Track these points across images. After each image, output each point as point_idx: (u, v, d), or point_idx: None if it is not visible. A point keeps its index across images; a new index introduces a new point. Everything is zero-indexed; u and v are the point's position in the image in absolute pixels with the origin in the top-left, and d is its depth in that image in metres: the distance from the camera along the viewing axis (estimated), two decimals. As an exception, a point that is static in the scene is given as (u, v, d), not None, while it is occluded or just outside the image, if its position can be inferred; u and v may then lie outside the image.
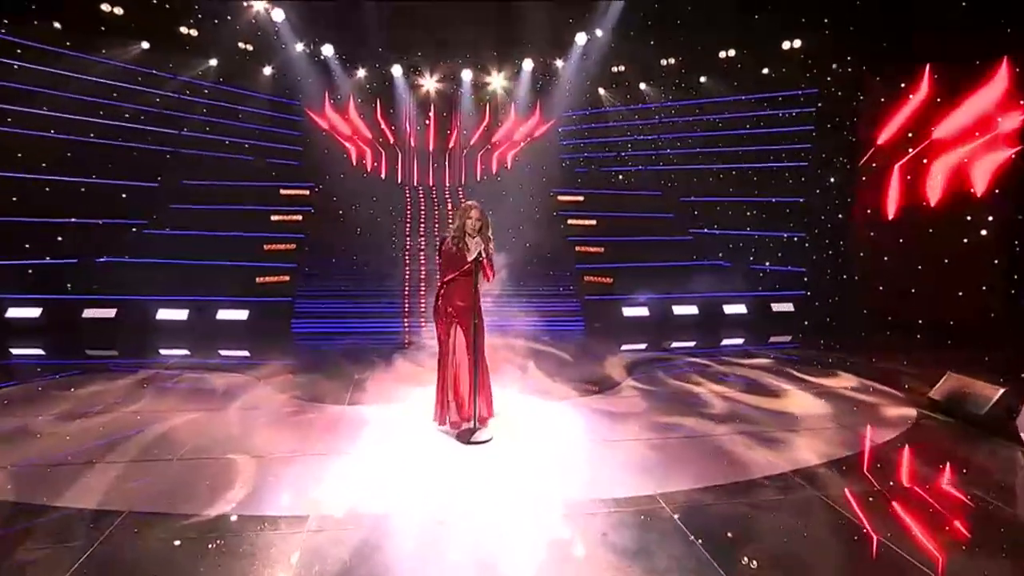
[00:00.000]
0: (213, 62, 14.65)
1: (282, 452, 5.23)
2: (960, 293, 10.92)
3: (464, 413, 5.54)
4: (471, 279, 5.47)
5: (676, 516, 4.19)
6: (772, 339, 10.99)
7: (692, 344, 10.38)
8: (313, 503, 4.33)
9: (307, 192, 14.87)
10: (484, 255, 5.43)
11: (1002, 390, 5.97)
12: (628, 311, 12.19)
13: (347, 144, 17.19)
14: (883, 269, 12.11)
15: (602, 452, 5.31)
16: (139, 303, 11.17)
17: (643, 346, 10.25)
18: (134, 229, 12.45)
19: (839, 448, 5.42)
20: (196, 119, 14.57)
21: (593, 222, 14.46)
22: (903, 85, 12.10)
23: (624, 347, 10.06)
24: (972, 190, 11.32)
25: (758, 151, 14.03)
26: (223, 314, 11.40)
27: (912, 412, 6.44)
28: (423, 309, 12.01)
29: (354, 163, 17.28)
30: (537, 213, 14.26)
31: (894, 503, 4.46)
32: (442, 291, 5.55)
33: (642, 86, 15.84)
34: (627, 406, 6.59)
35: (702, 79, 14.83)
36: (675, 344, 10.45)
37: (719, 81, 14.56)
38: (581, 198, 14.97)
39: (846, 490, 4.64)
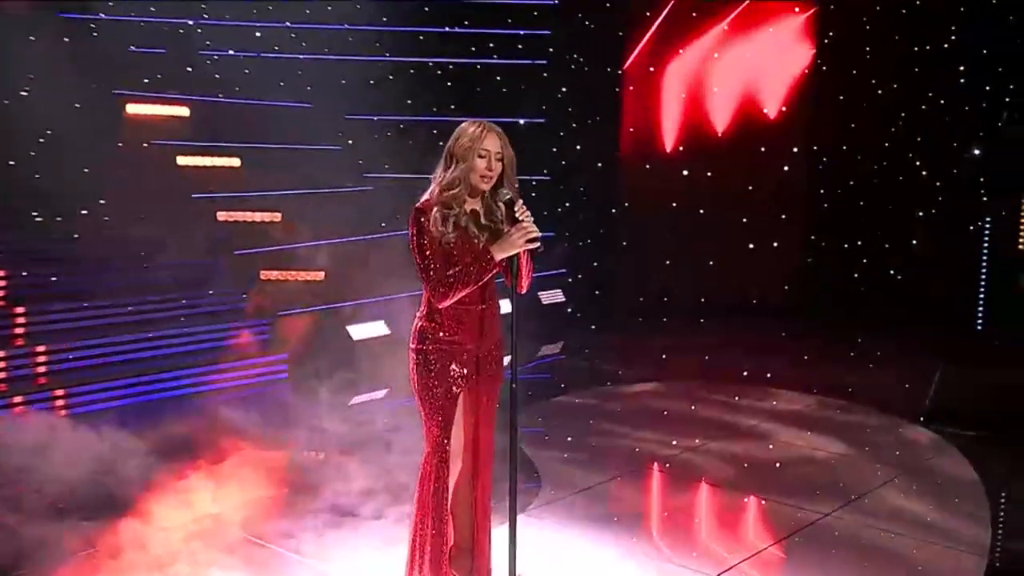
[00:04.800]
0: None
1: None
2: (751, 246, 8.64)
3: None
4: (495, 292, 2.73)
5: None
6: (544, 349, 7.54)
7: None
8: None
9: None
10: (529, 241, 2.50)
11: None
12: (358, 330, 7.11)
13: None
14: (654, 229, 8.68)
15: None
16: None
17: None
18: None
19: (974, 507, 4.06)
20: None
21: (235, 160, 8.12)
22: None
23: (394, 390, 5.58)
24: (765, 111, 8.66)
25: (452, 37, 7.92)
26: None
27: (926, 432, 5.29)
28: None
29: None
30: (90, 148, 5.88)
31: None
32: (435, 327, 2.63)
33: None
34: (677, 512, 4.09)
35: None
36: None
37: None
38: (186, 111, 7.51)
39: None
